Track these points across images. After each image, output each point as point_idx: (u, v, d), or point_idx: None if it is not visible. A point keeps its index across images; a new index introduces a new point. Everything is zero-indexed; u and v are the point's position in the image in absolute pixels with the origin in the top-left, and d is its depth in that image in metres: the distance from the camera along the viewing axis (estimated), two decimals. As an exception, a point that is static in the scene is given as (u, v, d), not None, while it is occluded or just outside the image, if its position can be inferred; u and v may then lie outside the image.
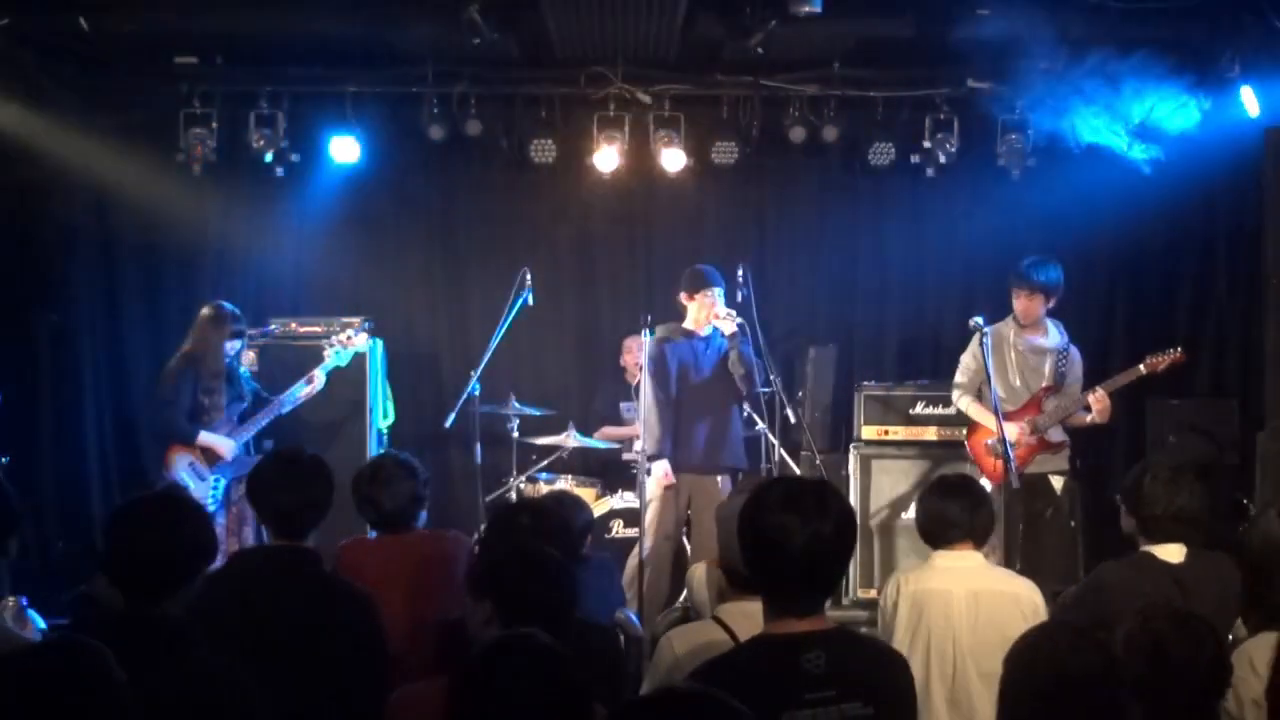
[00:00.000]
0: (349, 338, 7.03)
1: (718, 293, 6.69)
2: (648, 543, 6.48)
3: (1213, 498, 4.27)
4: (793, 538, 2.72)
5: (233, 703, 2.95)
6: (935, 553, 4.11)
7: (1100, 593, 4.10)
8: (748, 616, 3.37)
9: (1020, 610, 3.95)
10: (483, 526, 4.25)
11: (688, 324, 6.78)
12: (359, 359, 7.31)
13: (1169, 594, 3.91)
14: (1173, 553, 4.11)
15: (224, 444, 6.56)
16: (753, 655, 2.81)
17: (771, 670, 2.73)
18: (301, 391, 6.79)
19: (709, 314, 6.65)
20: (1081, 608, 4.13)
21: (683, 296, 6.78)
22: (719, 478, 6.72)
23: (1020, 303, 6.59)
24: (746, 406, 6.92)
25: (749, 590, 3.45)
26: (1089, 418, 6.47)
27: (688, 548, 6.87)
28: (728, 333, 6.57)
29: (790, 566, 2.75)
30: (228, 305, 6.79)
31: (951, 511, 4.06)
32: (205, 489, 6.44)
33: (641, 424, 6.57)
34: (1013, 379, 6.63)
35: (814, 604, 2.81)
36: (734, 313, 6.59)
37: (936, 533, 4.11)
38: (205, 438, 6.55)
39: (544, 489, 7.19)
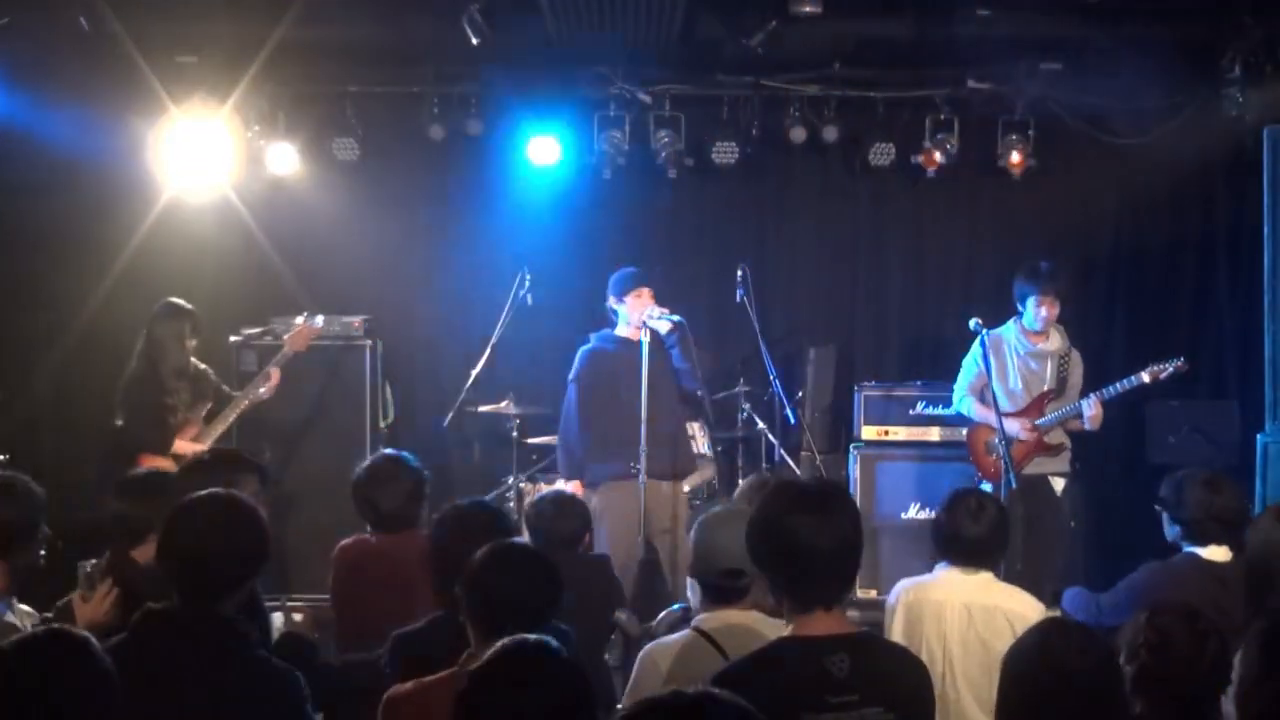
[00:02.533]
0: (304, 324, 6.96)
1: (649, 292, 6.44)
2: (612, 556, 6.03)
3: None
4: (821, 539, 2.76)
5: (289, 701, 2.97)
6: (943, 565, 4.11)
7: (1142, 594, 4.11)
8: (730, 626, 3.40)
9: (1013, 629, 3.92)
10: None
11: (620, 330, 6.53)
12: (360, 354, 7.29)
13: (1214, 593, 3.95)
14: (1217, 553, 4.15)
15: (195, 448, 6.43)
16: (779, 657, 2.82)
17: (796, 672, 2.75)
18: (263, 389, 6.72)
19: (641, 315, 6.35)
20: (1121, 608, 4.14)
21: (611, 301, 6.52)
22: (672, 484, 6.45)
23: (1045, 309, 6.53)
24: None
25: (725, 601, 3.48)
26: (1084, 425, 6.49)
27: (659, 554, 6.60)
28: (664, 330, 6.30)
29: (820, 568, 2.79)
30: (179, 301, 6.69)
31: (974, 535, 4.03)
32: None
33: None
34: (1014, 383, 6.63)
35: (833, 604, 2.84)
36: (666, 310, 6.34)
37: (956, 552, 4.08)
38: (178, 445, 6.44)
39: (543, 489, 7.18)
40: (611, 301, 6.55)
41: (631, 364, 6.36)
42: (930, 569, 4.19)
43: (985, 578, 4.07)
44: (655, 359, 6.30)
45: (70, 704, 2.40)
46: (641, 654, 3.55)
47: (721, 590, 3.48)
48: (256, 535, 3.18)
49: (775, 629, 3.32)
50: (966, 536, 4.03)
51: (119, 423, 6.56)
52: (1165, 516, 4.35)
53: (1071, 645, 2.72)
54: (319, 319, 7.08)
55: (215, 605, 3.06)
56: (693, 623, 3.52)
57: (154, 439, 6.40)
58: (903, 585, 4.13)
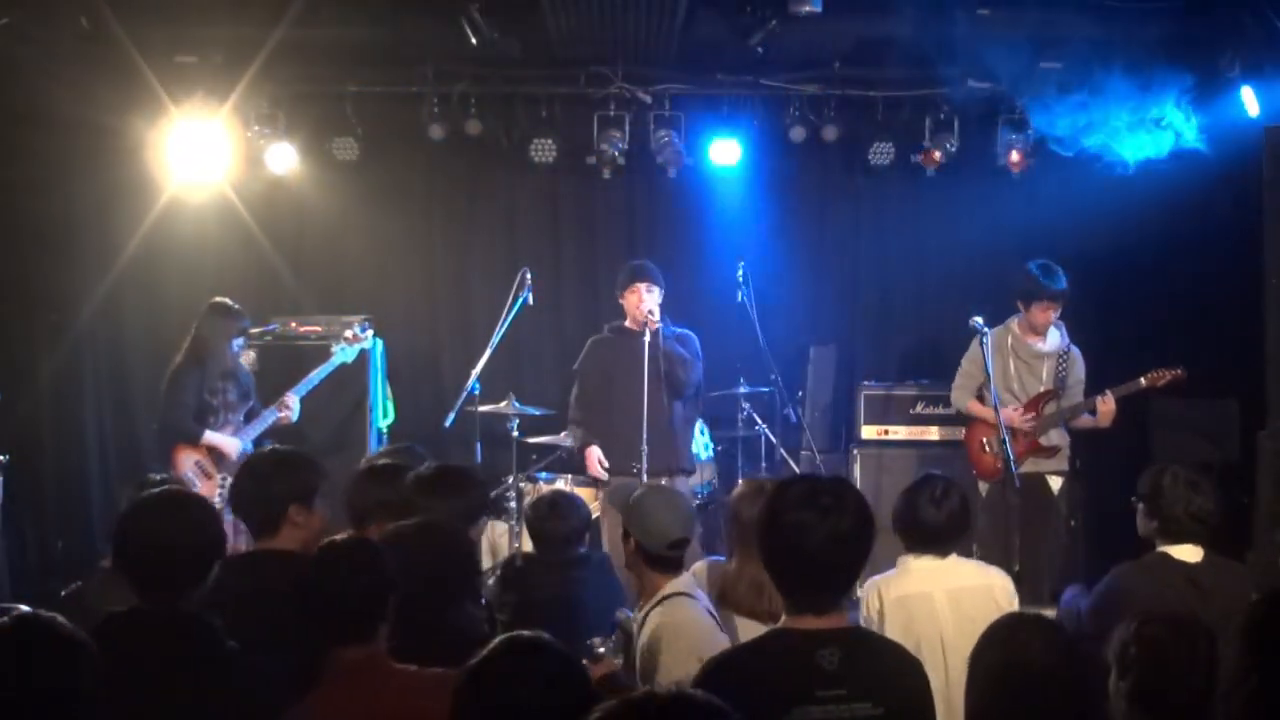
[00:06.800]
0: (354, 335, 7.05)
1: (645, 288, 6.57)
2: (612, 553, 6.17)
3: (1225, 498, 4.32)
4: (811, 537, 2.73)
5: (253, 694, 2.96)
6: (908, 555, 4.13)
7: (1117, 596, 4.11)
8: (690, 585, 3.85)
9: (995, 601, 3.99)
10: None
11: (628, 322, 6.72)
12: (361, 356, 7.30)
13: (1185, 595, 3.94)
14: (1189, 553, 4.14)
15: (230, 443, 6.57)
16: (769, 649, 2.82)
17: (786, 665, 2.74)
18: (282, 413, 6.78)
19: (637, 311, 6.54)
20: (1099, 612, 4.14)
21: (617, 294, 6.74)
22: (670, 480, 6.47)
23: (1040, 314, 6.55)
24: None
25: (672, 570, 3.87)
26: (1093, 420, 6.49)
27: None
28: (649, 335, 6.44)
29: (809, 565, 2.76)
30: (230, 302, 6.79)
31: (933, 520, 4.05)
32: (213, 488, 6.43)
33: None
34: (1011, 384, 6.64)
35: (832, 601, 2.82)
36: (654, 316, 6.44)
37: (916, 539, 4.11)
38: (210, 437, 6.55)
39: (544, 488, 7.18)
40: (617, 295, 6.72)
41: (630, 356, 6.46)
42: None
43: (951, 560, 4.10)
44: (653, 354, 6.38)
45: (48, 691, 2.38)
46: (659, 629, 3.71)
47: (670, 561, 3.83)
48: (211, 529, 3.18)
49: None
50: (927, 522, 4.05)
51: (161, 412, 6.68)
52: (1142, 510, 4.33)
53: (1035, 641, 2.71)
54: (369, 329, 7.21)
55: (178, 602, 3.06)
56: (666, 591, 3.81)
57: (188, 432, 6.52)
58: (877, 584, 4.10)
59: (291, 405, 6.78)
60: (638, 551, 3.89)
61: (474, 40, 6.86)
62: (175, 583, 3.07)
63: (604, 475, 6.61)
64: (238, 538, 6.43)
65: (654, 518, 3.85)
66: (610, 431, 6.61)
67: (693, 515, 3.99)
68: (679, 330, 6.68)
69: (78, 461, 7.77)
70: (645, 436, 6.27)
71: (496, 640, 2.48)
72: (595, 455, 6.64)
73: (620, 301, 6.72)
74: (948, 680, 3.89)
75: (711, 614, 3.79)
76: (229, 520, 6.36)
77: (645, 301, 6.52)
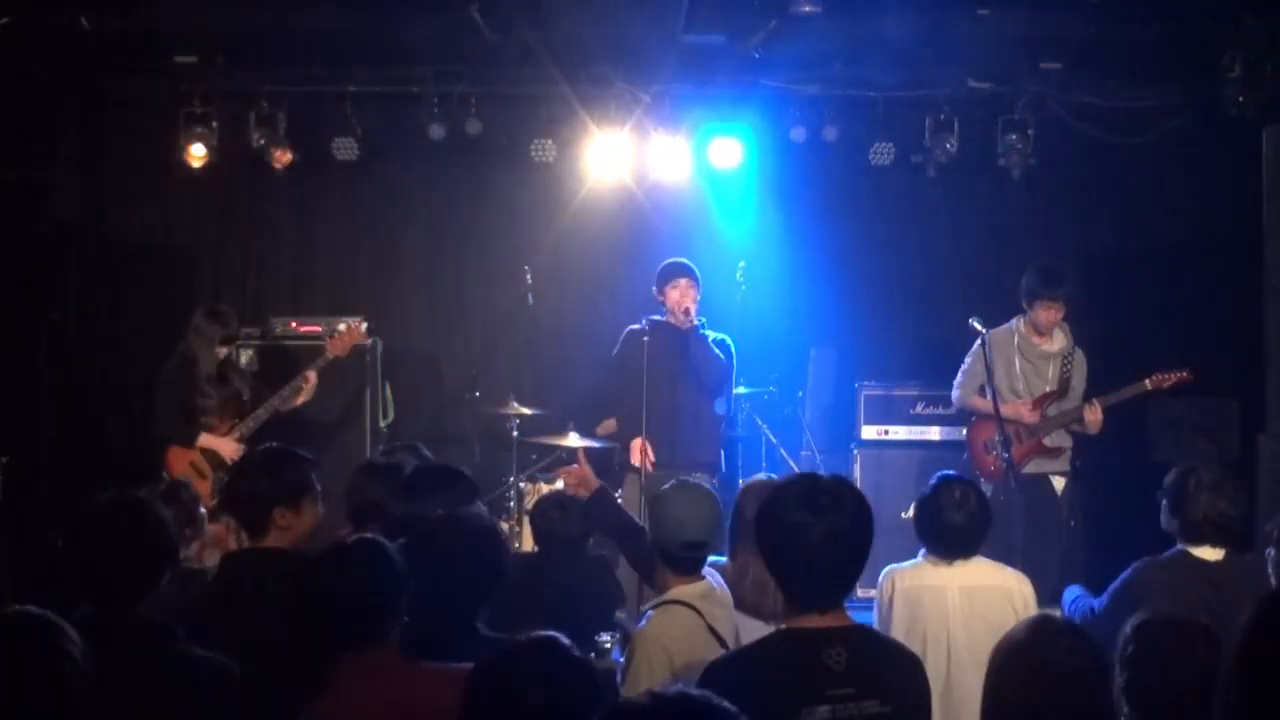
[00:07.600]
0: (348, 329, 7.05)
1: (686, 283, 6.49)
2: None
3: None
4: (809, 533, 2.73)
5: (221, 693, 2.93)
6: (923, 551, 4.14)
7: (1135, 592, 4.12)
8: (705, 597, 3.62)
9: (1011, 604, 3.98)
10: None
11: (667, 317, 6.61)
12: (360, 355, 7.31)
13: (1204, 594, 3.96)
14: (1209, 552, 4.17)
15: (223, 444, 6.61)
16: (776, 649, 2.82)
17: (794, 665, 2.74)
18: (299, 396, 6.79)
19: (676, 306, 6.44)
20: (1115, 608, 4.15)
21: (655, 292, 6.62)
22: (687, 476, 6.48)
23: (1046, 314, 6.52)
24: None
25: (687, 572, 3.68)
26: (1080, 428, 6.50)
27: None
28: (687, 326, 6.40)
29: (808, 562, 2.76)
30: (220, 306, 6.83)
31: (956, 523, 4.04)
32: (207, 487, 6.45)
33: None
34: (1016, 384, 6.62)
35: (834, 599, 2.81)
36: (690, 313, 6.41)
37: (942, 545, 4.09)
38: (204, 439, 6.59)
39: (544, 489, 7.18)
40: (655, 293, 6.60)
41: (663, 349, 6.41)
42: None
43: (974, 560, 4.09)
44: (688, 350, 6.36)
45: (39, 687, 2.34)
46: (638, 635, 3.60)
47: (682, 561, 3.68)
48: (161, 534, 3.13)
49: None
50: (949, 526, 4.03)
51: (152, 415, 6.72)
52: (1165, 507, 4.36)
53: (1060, 645, 2.71)
54: (364, 324, 7.18)
55: (131, 609, 3.01)
56: (667, 596, 3.65)
57: (181, 433, 6.58)
58: (891, 572, 4.13)
59: (313, 380, 6.79)
60: (654, 545, 3.78)
61: (474, 40, 6.86)
62: (124, 590, 3.01)
63: (649, 467, 6.40)
64: (230, 538, 6.44)
65: (670, 513, 3.70)
66: (636, 423, 6.52)
67: (716, 519, 3.81)
68: (717, 337, 6.59)
69: (78, 461, 7.75)
70: (659, 429, 6.25)
71: (511, 640, 2.49)
72: (642, 446, 6.43)
73: (659, 298, 6.58)
74: (949, 675, 3.89)
75: (713, 631, 3.61)
76: (226, 519, 6.40)
77: (685, 297, 6.42)
